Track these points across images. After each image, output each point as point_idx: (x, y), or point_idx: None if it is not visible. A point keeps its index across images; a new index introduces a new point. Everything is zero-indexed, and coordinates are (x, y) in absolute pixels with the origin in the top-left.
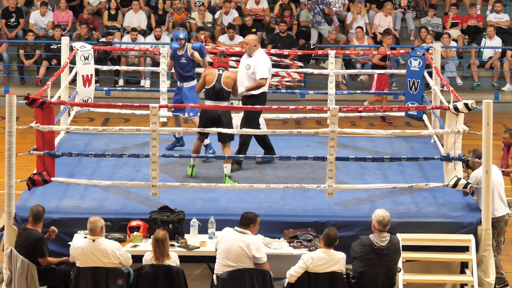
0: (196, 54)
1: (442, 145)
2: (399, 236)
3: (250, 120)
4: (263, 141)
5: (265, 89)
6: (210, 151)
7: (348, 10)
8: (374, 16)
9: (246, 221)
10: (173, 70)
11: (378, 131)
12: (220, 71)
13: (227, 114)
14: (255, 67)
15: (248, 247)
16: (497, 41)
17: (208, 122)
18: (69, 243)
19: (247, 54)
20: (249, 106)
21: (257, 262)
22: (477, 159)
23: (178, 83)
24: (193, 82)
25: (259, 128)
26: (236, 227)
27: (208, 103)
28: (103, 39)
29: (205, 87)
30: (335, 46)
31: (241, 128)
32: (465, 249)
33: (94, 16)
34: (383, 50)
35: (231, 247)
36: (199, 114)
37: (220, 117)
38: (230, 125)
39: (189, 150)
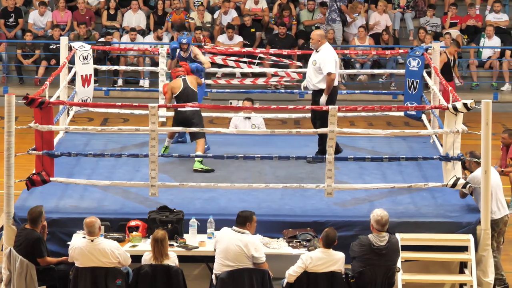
0: (200, 56)
1: (441, 145)
2: (398, 236)
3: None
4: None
5: (335, 83)
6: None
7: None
8: (371, 16)
9: (242, 220)
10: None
11: (377, 131)
12: (183, 77)
13: (198, 113)
14: (321, 62)
15: (247, 246)
16: (496, 41)
17: (182, 122)
18: (68, 243)
19: (314, 50)
20: (249, 106)
21: (256, 262)
22: (474, 160)
23: None
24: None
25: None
26: (234, 227)
27: None
28: (102, 39)
29: (174, 96)
30: (334, 46)
31: (319, 126)
32: (464, 249)
33: (90, 9)
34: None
35: (230, 247)
36: (173, 116)
37: (194, 116)
38: (201, 124)
39: (192, 149)
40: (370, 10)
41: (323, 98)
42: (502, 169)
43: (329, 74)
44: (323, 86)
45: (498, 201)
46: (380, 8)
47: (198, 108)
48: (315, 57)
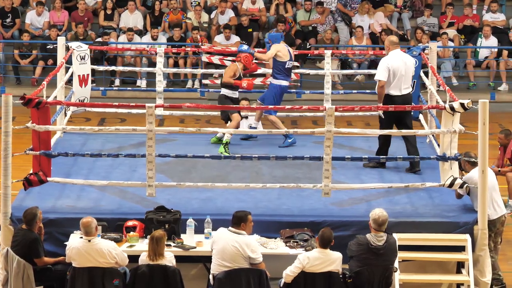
0: (258, 55)
1: (438, 145)
2: (395, 235)
3: (382, 121)
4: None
5: (393, 91)
6: (290, 140)
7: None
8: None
9: (237, 220)
10: None
11: (374, 131)
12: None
13: (220, 97)
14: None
15: (243, 247)
16: (493, 41)
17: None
18: (65, 243)
19: None
20: (247, 106)
21: (252, 262)
22: (470, 160)
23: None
24: (276, 80)
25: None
26: (230, 227)
27: None
28: (99, 39)
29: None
30: (331, 46)
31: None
32: (461, 248)
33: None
34: None
35: (226, 247)
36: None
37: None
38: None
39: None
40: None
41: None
42: (499, 169)
43: (378, 81)
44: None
45: (494, 201)
46: (386, 11)
47: (220, 92)
48: None
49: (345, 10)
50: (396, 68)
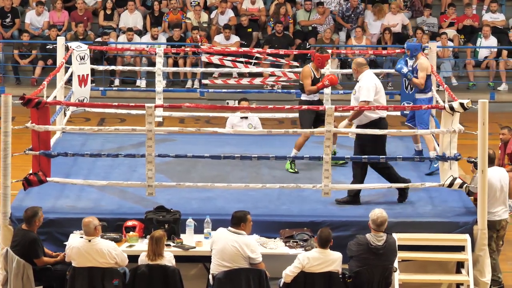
0: (416, 81)
1: (438, 145)
2: (395, 235)
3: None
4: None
5: (381, 113)
6: (435, 165)
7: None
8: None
9: (236, 221)
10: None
11: (373, 131)
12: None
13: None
14: (358, 90)
15: (242, 247)
16: (492, 41)
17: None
18: (65, 243)
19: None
20: (246, 106)
21: (252, 262)
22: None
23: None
24: (425, 95)
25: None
26: (229, 227)
27: None
28: (99, 39)
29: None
30: (330, 46)
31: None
32: (461, 248)
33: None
34: None
35: (226, 247)
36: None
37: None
38: (301, 120)
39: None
40: (367, 10)
41: (343, 123)
42: None
43: (365, 102)
44: (366, 119)
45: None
46: (394, 9)
47: (301, 97)
48: (356, 87)
49: (343, 23)
50: (380, 87)
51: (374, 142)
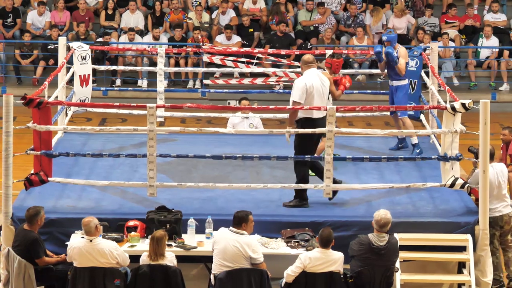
0: (400, 66)
1: (440, 145)
2: (397, 236)
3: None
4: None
5: (310, 113)
6: (418, 151)
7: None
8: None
9: (238, 221)
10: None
11: (375, 131)
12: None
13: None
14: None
15: (244, 247)
16: (494, 41)
17: None
18: (66, 243)
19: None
20: (248, 106)
21: (253, 263)
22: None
23: (389, 82)
24: (404, 81)
25: (314, 150)
26: (231, 227)
27: None
28: (100, 39)
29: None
30: (332, 46)
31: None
32: (462, 249)
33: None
34: None
35: (227, 247)
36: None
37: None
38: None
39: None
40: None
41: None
42: None
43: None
44: (301, 115)
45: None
46: (397, 13)
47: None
48: None
49: (345, 29)
50: (310, 86)
51: (301, 139)
